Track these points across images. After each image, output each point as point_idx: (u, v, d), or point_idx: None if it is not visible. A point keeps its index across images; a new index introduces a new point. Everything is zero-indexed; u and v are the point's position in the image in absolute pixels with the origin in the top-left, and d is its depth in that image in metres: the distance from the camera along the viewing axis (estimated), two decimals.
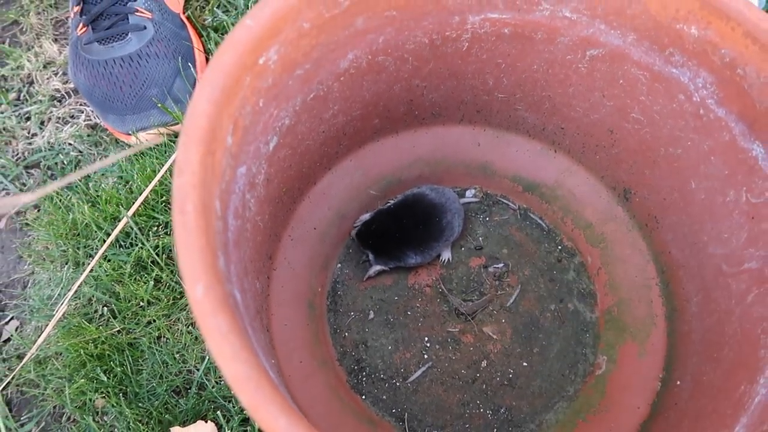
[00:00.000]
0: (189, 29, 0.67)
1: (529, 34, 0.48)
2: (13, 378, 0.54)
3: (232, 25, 0.67)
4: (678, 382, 0.47)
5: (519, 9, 0.46)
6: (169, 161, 0.57)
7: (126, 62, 0.61)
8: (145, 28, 0.62)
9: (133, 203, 0.57)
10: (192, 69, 0.64)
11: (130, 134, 0.62)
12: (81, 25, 0.62)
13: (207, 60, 0.67)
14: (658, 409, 0.48)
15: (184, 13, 0.69)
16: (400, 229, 0.54)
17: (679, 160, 0.48)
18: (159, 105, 0.61)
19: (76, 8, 0.63)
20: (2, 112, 0.66)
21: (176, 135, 0.63)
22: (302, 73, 0.43)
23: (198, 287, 0.28)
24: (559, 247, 0.60)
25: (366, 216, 0.58)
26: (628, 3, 0.43)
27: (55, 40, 0.70)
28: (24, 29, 0.71)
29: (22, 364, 0.53)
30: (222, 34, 0.68)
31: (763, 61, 0.38)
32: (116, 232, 0.55)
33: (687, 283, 0.50)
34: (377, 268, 0.56)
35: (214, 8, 0.69)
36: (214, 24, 0.69)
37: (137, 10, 0.62)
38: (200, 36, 0.68)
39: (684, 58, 0.43)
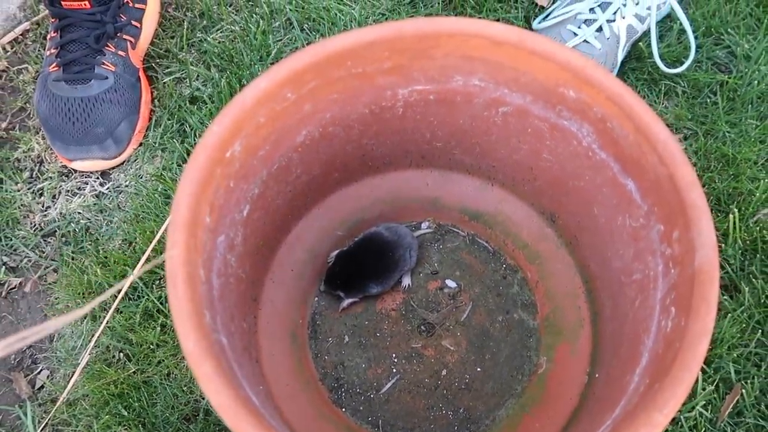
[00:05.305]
0: (142, 83, 0.79)
1: (451, 98, 0.58)
2: (49, 419, 0.64)
3: (208, 97, 0.78)
4: (597, 375, 0.57)
5: (438, 81, 0.57)
6: (164, 224, 0.67)
7: (84, 102, 0.74)
8: (106, 78, 0.75)
9: (138, 261, 0.67)
10: (136, 117, 0.76)
11: (71, 160, 0.75)
12: (54, 64, 0.75)
13: (150, 112, 0.79)
14: (584, 398, 0.58)
15: (143, 66, 0.81)
16: (360, 265, 0.64)
17: (583, 191, 0.58)
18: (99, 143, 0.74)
19: (54, 50, 0.75)
20: (19, 190, 0.76)
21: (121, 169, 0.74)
22: (264, 153, 0.54)
23: (189, 342, 0.38)
24: (504, 266, 0.70)
25: (332, 255, 0.68)
26: (522, 74, 0.53)
27: None
28: (30, 114, 0.81)
29: (56, 407, 0.63)
30: (199, 105, 0.78)
31: (622, 118, 0.48)
32: (125, 288, 0.65)
33: (602, 291, 0.60)
34: (348, 301, 0.66)
35: (193, 80, 0.80)
36: (193, 95, 0.79)
37: (104, 63, 0.76)
38: (151, 86, 0.80)
39: (570, 113, 0.53)
